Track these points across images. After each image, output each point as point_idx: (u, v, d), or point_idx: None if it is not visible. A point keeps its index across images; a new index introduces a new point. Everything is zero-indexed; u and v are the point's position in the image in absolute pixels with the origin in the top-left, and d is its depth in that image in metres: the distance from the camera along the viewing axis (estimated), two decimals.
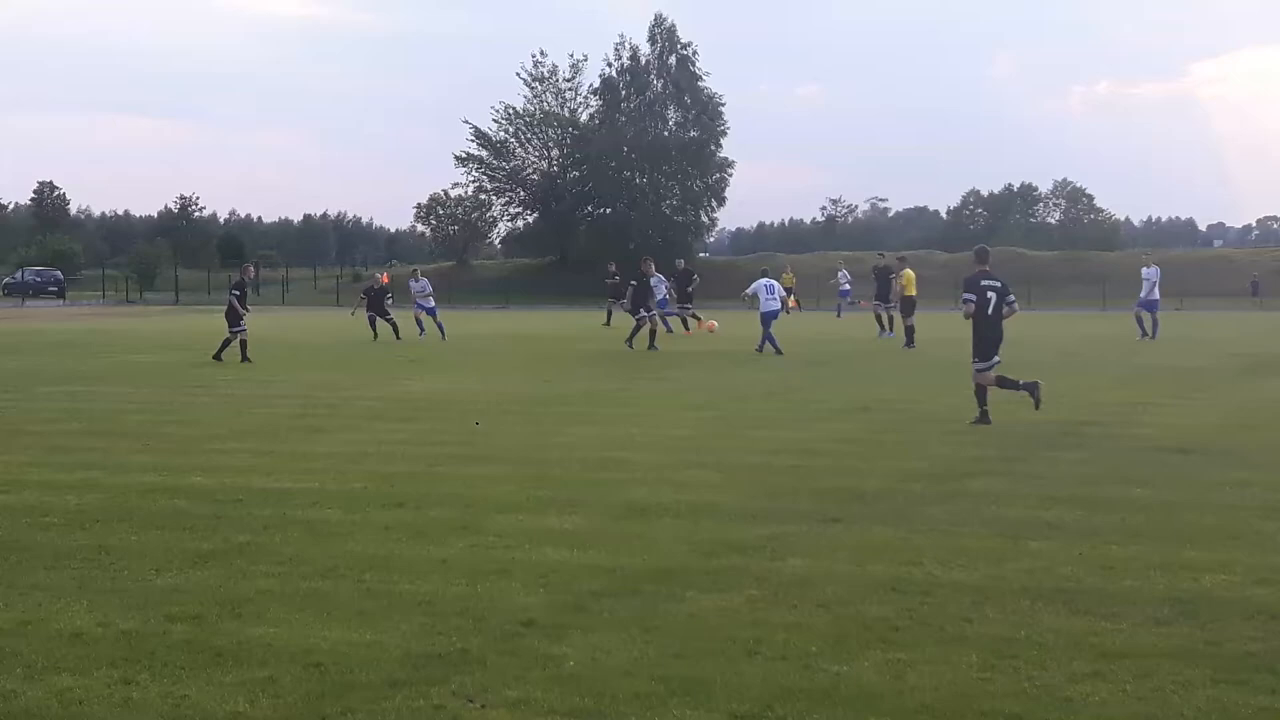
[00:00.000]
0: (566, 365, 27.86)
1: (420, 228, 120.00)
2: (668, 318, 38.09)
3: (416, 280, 40.17)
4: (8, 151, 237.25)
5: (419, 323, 39.06)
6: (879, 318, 38.86)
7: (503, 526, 10.13)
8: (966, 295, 16.91)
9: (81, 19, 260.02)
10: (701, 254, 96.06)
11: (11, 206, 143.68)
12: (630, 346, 32.03)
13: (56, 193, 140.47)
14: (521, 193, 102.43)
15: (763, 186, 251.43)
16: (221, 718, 5.94)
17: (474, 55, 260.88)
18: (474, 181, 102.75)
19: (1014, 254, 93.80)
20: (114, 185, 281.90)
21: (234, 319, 29.04)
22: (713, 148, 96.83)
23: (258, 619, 7.52)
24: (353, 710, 6.06)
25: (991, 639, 7.23)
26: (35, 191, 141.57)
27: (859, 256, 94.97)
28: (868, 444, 14.96)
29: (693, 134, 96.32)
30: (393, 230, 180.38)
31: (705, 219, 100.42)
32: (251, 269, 33.38)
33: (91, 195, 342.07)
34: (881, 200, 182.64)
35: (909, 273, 35.10)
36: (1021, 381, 17.02)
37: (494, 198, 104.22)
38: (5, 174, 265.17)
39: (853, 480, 12.34)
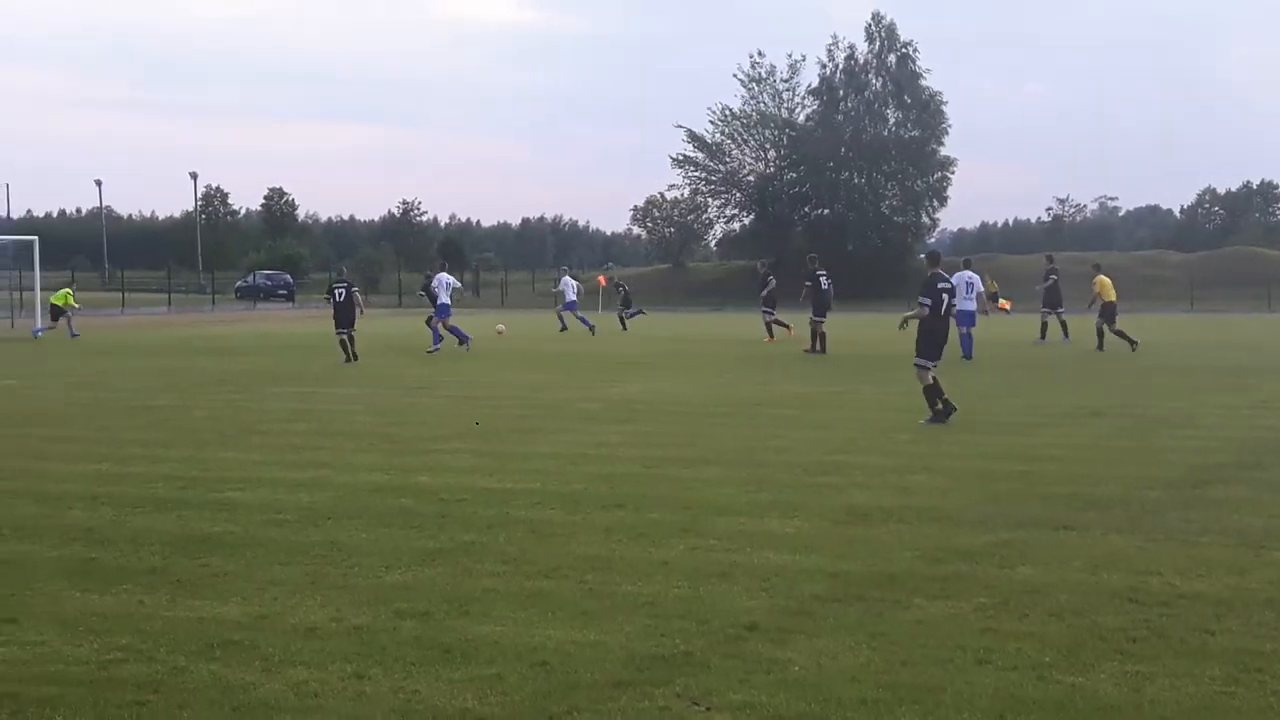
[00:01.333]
0: (783, 368, 27.70)
1: (636, 230, 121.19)
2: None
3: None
4: (240, 159, 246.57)
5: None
6: (1045, 324, 35.94)
7: (723, 529, 10.09)
8: (923, 299, 17.32)
9: (307, 32, 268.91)
10: (922, 255, 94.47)
11: (243, 212, 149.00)
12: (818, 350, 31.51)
13: (285, 198, 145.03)
14: (737, 194, 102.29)
15: (985, 186, 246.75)
16: (451, 714, 6.01)
17: (689, 57, 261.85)
18: (690, 184, 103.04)
19: (1251, 254, 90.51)
20: (339, 191, 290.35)
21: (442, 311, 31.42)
22: (933, 146, 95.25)
23: (484, 617, 7.61)
24: (579, 709, 6.07)
25: (1235, 652, 6.93)
26: (265, 198, 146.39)
27: (1085, 258, 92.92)
28: (1098, 449, 14.52)
29: (913, 133, 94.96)
30: (609, 233, 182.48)
31: (926, 219, 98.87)
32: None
33: (318, 201, 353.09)
34: (1111, 199, 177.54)
35: (1103, 279, 33.22)
36: (941, 403, 17.16)
37: (710, 200, 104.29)
38: (237, 181, 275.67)
39: (1084, 486, 11.98)
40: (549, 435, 15.86)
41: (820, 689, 6.36)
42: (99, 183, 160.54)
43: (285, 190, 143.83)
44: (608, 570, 8.76)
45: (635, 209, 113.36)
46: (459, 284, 36.30)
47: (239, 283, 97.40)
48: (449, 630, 7.33)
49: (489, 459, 13.84)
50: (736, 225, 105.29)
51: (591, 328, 42.04)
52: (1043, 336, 35.26)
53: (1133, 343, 31.22)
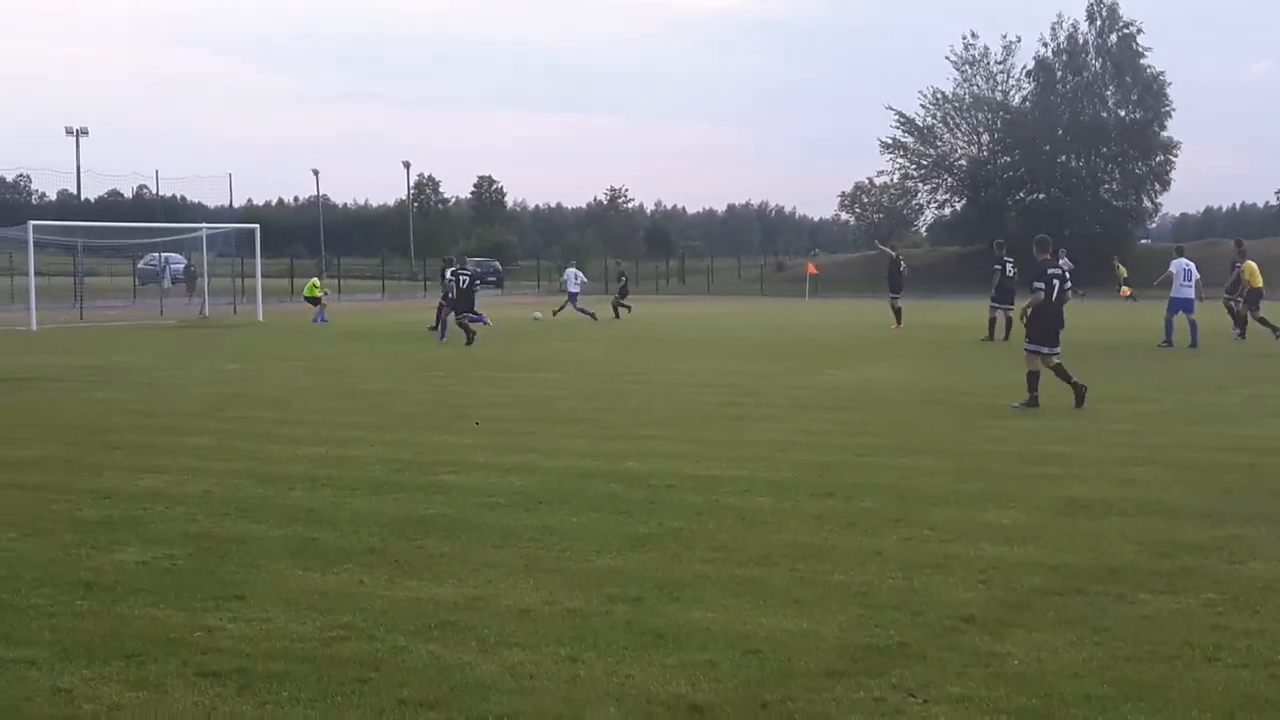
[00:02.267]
0: (994, 356, 27.16)
1: (844, 216, 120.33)
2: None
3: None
4: (450, 148, 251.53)
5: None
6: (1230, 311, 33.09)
7: (938, 519, 9.91)
8: (1037, 285, 17.43)
9: (517, 22, 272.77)
10: (1143, 240, 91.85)
11: (453, 200, 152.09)
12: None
13: (494, 186, 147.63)
14: (949, 179, 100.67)
15: (1210, 170, 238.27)
16: (665, 699, 6.00)
17: (899, 40, 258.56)
18: (899, 169, 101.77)
19: None
20: (547, 178, 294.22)
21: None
22: (1156, 129, 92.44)
23: (695, 603, 7.59)
24: (792, 698, 6.01)
25: None
26: (475, 185, 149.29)
27: None
28: None
29: (1134, 115, 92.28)
30: (816, 219, 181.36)
31: (1148, 204, 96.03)
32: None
33: (526, 188, 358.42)
34: None
35: (1250, 263, 31.29)
36: (1075, 378, 17.24)
37: (920, 185, 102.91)
38: (448, 170, 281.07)
39: None
40: (757, 423, 15.79)
41: (1041, 684, 6.18)
42: (316, 172, 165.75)
43: (494, 178, 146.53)
44: (819, 559, 8.67)
45: (843, 194, 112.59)
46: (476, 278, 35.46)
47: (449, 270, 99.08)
48: (661, 615, 7.32)
49: (697, 446, 13.83)
50: (947, 210, 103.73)
51: (592, 315, 42.06)
52: (1236, 327, 31.95)
53: (1276, 330, 29.85)
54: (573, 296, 43.44)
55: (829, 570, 8.37)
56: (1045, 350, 17.30)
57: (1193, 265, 29.61)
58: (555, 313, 43.99)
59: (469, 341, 30.69)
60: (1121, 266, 62.06)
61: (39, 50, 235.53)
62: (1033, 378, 17.18)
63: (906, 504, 10.51)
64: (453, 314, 32.61)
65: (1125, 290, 45.29)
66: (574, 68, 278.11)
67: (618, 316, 45.07)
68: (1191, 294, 29.00)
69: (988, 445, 13.77)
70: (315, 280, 44.50)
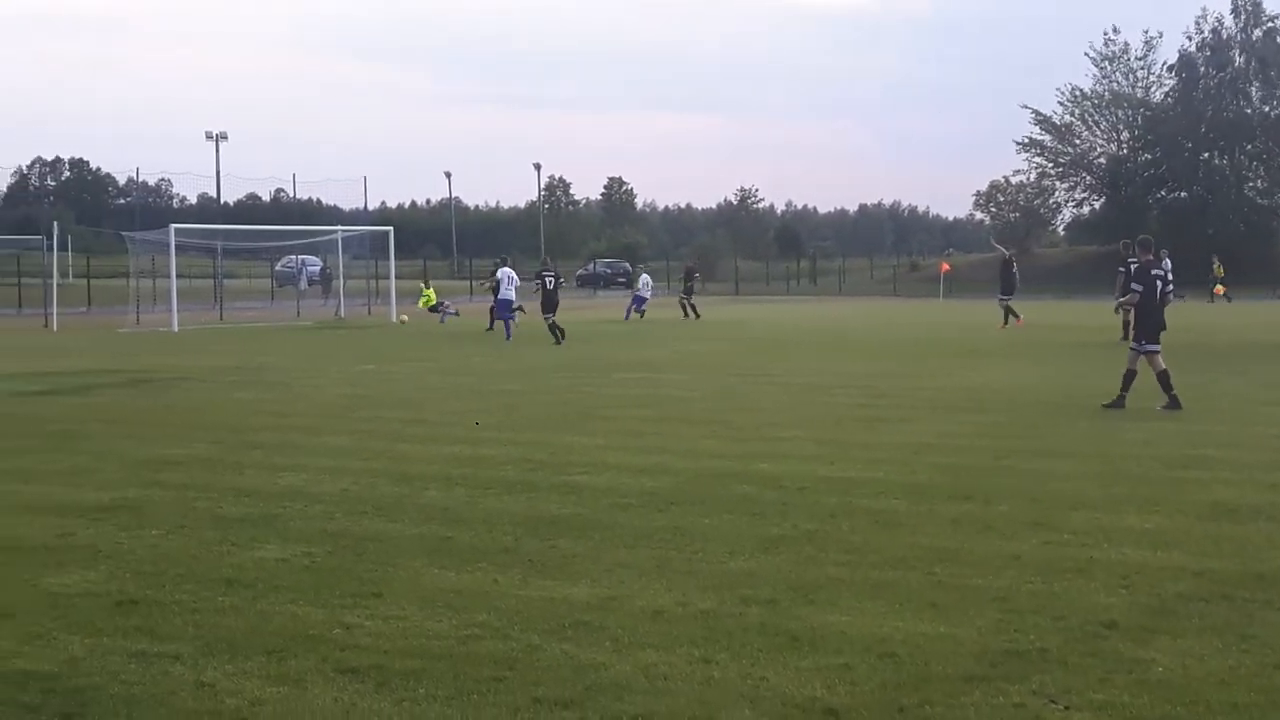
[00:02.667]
0: None
1: (979, 215, 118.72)
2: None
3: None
4: (581, 150, 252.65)
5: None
6: None
7: (1077, 524, 9.71)
8: (1134, 285, 17.57)
9: (645, 23, 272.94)
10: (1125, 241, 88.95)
11: (584, 202, 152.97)
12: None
13: (624, 188, 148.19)
14: (1087, 177, 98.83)
15: None
16: (800, 702, 5.94)
17: (1035, 37, 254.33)
18: (1036, 167, 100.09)
19: None
20: (676, 179, 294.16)
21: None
22: None
23: (830, 605, 7.52)
24: (930, 703, 5.92)
25: None
26: (605, 187, 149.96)
27: None
28: None
29: (1279, 111, 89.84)
30: (950, 219, 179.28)
31: None
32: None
33: (656, 189, 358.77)
34: None
35: None
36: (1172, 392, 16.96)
37: (1057, 183, 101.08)
38: (578, 171, 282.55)
39: None
40: (890, 425, 15.63)
41: (1186, 691, 6.03)
42: (448, 175, 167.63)
43: (624, 180, 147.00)
44: (956, 562, 8.54)
45: (977, 194, 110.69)
46: (518, 279, 36.55)
47: (579, 271, 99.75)
48: (794, 618, 7.26)
49: (830, 447, 13.73)
50: (1086, 209, 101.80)
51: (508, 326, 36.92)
52: None
53: None
54: (504, 303, 37.74)
55: (966, 574, 8.24)
56: (1149, 348, 17.17)
57: None
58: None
59: (559, 339, 31.54)
60: (1220, 266, 60.31)
61: (180, 57, 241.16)
62: (1162, 377, 16.99)
63: (1045, 508, 10.32)
64: (543, 317, 33.25)
65: (1219, 289, 44.04)
66: (704, 67, 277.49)
67: (686, 315, 44.89)
68: None
69: (1129, 448, 13.48)
70: (428, 292, 44.88)
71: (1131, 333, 18.08)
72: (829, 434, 14.84)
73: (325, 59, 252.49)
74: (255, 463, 12.90)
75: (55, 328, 40.11)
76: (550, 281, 33.10)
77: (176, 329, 39.03)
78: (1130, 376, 17.11)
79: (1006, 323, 37.24)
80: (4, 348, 31.37)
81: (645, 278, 46.85)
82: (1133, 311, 17.79)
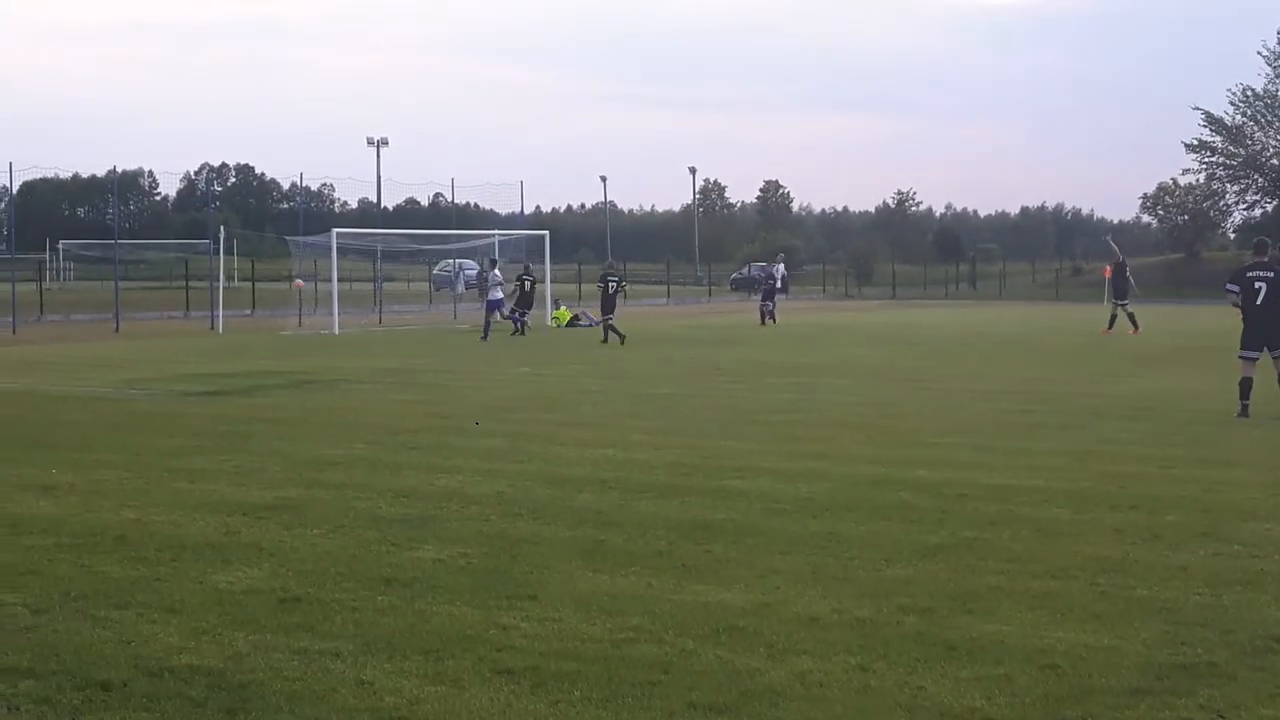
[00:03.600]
0: None
1: (1146, 218, 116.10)
2: None
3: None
4: (736, 153, 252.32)
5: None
6: None
7: (1248, 534, 9.42)
8: (1230, 285, 17.39)
9: (799, 23, 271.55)
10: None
11: (739, 205, 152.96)
12: None
13: (781, 191, 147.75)
14: (1259, 179, 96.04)
15: None
16: (959, 713, 5.84)
17: (1205, 35, 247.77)
18: (1206, 169, 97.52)
19: None
20: (833, 182, 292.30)
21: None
22: None
23: (989, 615, 7.38)
24: (1093, 715, 5.78)
25: None
26: (761, 190, 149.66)
27: None
28: None
29: None
30: (1115, 221, 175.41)
31: None
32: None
33: (812, 192, 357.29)
34: None
35: None
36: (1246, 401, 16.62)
37: (1228, 185, 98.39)
38: (734, 174, 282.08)
39: None
40: (1052, 431, 15.34)
41: None
42: (603, 179, 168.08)
43: (780, 183, 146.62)
44: (1120, 573, 8.33)
45: (1145, 196, 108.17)
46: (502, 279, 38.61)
47: (734, 274, 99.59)
48: (953, 627, 7.14)
49: (989, 454, 13.51)
50: (1257, 212, 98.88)
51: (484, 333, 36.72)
52: None
53: None
54: (493, 303, 37.90)
55: (1131, 585, 8.03)
56: (1248, 355, 16.99)
57: None
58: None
59: (621, 340, 32.98)
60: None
61: (342, 63, 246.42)
62: (1242, 384, 16.83)
63: (1214, 517, 10.03)
64: (602, 318, 35.25)
65: None
66: (862, 67, 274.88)
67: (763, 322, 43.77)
68: None
69: None
70: (563, 311, 45.05)
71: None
72: (988, 440, 14.61)
73: (482, 62, 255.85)
74: (413, 464, 13.07)
75: (221, 330, 41.17)
76: (612, 285, 35.23)
77: (337, 331, 39.81)
78: (1243, 383, 16.83)
79: (1111, 327, 36.78)
80: (172, 349, 32.29)
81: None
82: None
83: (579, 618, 7.37)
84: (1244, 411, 16.56)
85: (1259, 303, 16.87)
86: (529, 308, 35.42)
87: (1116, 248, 41.13)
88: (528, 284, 36.76)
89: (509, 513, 10.49)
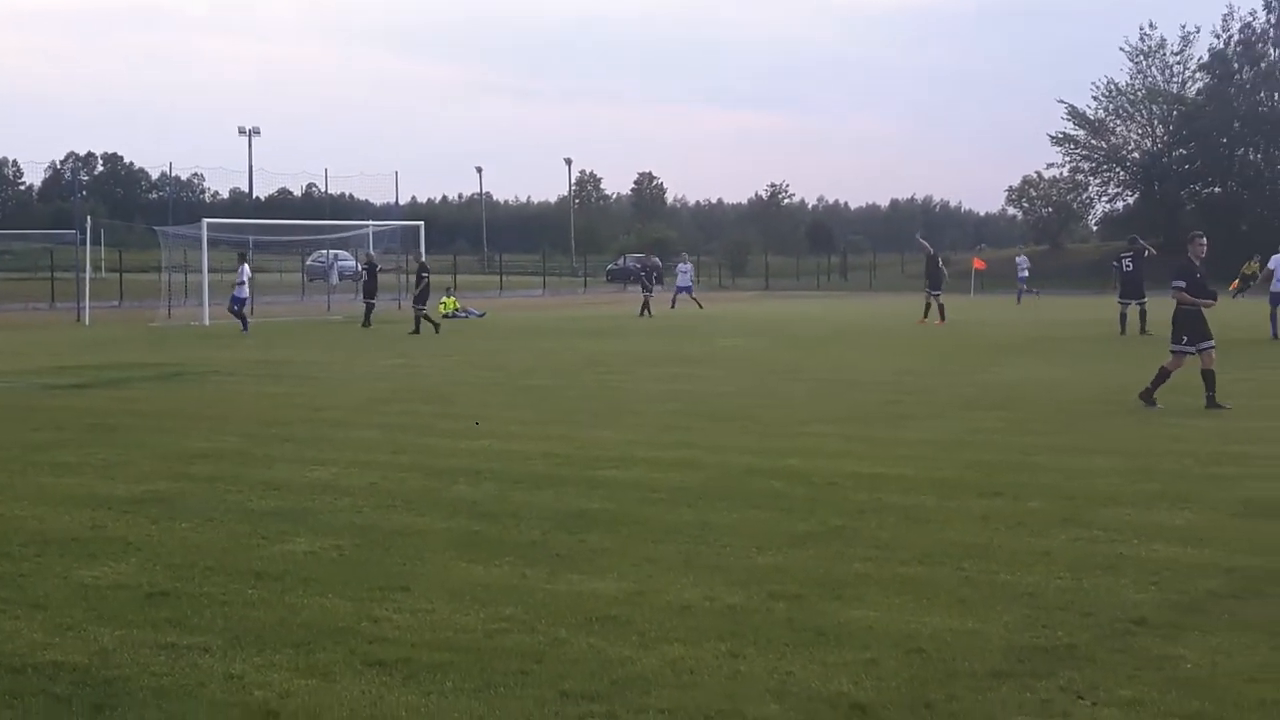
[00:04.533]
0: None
1: (1011, 210, 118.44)
2: None
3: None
4: (612, 144, 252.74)
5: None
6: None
7: (1108, 520, 9.67)
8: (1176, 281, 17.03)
9: (676, 17, 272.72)
10: None
11: (614, 197, 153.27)
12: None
13: (655, 182, 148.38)
14: (1121, 173, 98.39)
15: None
16: (827, 697, 5.94)
17: (1069, 30, 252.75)
18: (1070, 162, 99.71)
19: None
20: (707, 174, 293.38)
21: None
22: None
23: (857, 601, 7.51)
24: (957, 698, 5.91)
25: None
26: (636, 182, 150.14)
27: None
28: None
29: None
30: (982, 214, 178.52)
31: None
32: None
33: (687, 184, 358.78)
34: None
35: None
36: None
37: (1091, 178, 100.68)
38: (611, 165, 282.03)
39: None
40: (920, 421, 15.59)
41: (1214, 688, 6.00)
42: (479, 169, 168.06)
43: (655, 175, 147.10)
44: (985, 558, 8.52)
45: (1010, 189, 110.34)
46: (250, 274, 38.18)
47: (610, 266, 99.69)
48: (822, 613, 7.25)
49: (859, 443, 13.71)
50: (1119, 205, 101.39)
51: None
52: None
53: None
54: (238, 298, 37.23)
55: (995, 570, 8.22)
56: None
57: None
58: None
59: (435, 330, 34.02)
60: (1254, 264, 59.65)
61: (213, 50, 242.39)
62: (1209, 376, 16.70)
63: (1075, 504, 10.28)
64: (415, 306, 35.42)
65: (1234, 284, 43.74)
66: (736, 62, 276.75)
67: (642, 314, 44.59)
68: None
69: (1161, 444, 13.42)
70: (446, 299, 44.87)
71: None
72: (858, 430, 14.82)
73: (356, 51, 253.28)
74: (285, 456, 12.95)
75: (88, 321, 40.36)
76: (426, 279, 35.42)
77: (208, 323, 39.21)
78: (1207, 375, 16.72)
79: (927, 318, 38.36)
80: (37, 341, 31.59)
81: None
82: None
83: (452, 608, 7.37)
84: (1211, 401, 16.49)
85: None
86: (424, 302, 34.79)
87: (927, 244, 42.63)
88: (425, 279, 35.84)
89: (383, 504, 10.44)
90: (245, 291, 36.72)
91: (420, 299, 35.19)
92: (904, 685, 6.08)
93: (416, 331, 34.00)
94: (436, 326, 34.57)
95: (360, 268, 38.28)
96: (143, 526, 9.64)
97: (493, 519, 9.85)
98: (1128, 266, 32.60)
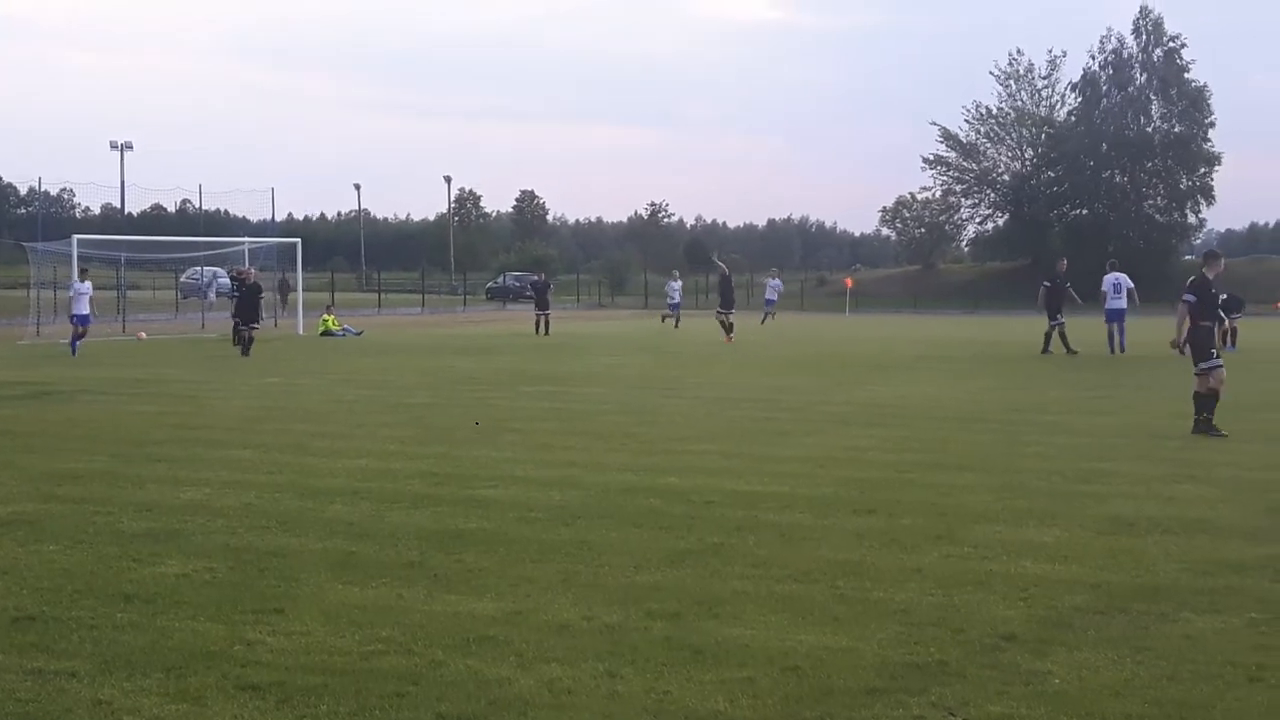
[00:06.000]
0: (1040, 372, 27.03)
1: (885, 231, 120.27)
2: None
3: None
4: (494, 161, 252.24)
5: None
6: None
7: (979, 537, 9.84)
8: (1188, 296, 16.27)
9: (558, 35, 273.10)
10: (1187, 256, 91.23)
11: (495, 214, 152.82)
12: (1047, 352, 31.68)
13: (536, 201, 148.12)
14: (991, 194, 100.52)
15: (1255, 184, 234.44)
16: (703, 716, 5.97)
17: (943, 54, 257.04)
18: (942, 184, 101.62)
19: None
20: (588, 193, 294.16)
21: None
22: (1200, 143, 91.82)
23: (734, 619, 7.56)
24: (831, 715, 5.98)
25: None
26: (516, 200, 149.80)
27: None
28: None
29: (1178, 129, 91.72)
30: (857, 234, 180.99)
31: (1192, 219, 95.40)
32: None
33: (567, 203, 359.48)
34: None
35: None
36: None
37: (963, 200, 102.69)
38: (491, 183, 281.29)
39: None
40: (797, 438, 15.74)
41: (1082, 703, 6.13)
42: (357, 186, 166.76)
43: (536, 193, 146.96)
44: (859, 576, 8.62)
45: (884, 209, 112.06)
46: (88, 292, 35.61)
47: (489, 284, 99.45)
48: (699, 632, 7.29)
49: (737, 461, 13.81)
50: (990, 226, 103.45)
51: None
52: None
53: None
54: (80, 318, 35.22)
55: (869, 587, 8.32)
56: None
57: (1124, 278, 32.58)
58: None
59: (245, 351, 32.42)
60: None
61: (84, 63, 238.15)
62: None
63: (948, 521, 10.45)
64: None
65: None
66: (617, 80, 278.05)
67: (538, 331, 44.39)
68: (1123, 304, 32.05)
69: (1031, 462, 13.68)
70: (327, 317, 44.54)
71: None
72: (736, 448, 14.91)
73: (232, 66, 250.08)
74: (157, 476, 12.73)
75: None
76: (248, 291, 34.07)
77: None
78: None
79: (731, 334, 39.41)
80: None
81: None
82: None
83: (327, 631, 7.30)
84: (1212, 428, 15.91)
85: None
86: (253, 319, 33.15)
87: (723, 264, 44.34)
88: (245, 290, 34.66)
89: (257, 525, 10.31)
90: (84, 307, 34.49)
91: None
92: (779, 703, 6.13)
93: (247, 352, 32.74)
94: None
95: (232, 286, 35.53)
96: (8, 549, 9.42)
97: (369, 539, 9.78)
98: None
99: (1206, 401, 16.00)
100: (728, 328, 39.71)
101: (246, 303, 33.94)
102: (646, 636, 7.19)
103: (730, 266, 45.44)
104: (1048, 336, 32.13)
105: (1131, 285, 32.80)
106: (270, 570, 8.78)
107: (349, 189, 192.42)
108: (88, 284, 35.56)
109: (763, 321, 51.23)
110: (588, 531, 10.06)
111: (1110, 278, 32.93)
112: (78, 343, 33.61)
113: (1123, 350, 31.68)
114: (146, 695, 6.21)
